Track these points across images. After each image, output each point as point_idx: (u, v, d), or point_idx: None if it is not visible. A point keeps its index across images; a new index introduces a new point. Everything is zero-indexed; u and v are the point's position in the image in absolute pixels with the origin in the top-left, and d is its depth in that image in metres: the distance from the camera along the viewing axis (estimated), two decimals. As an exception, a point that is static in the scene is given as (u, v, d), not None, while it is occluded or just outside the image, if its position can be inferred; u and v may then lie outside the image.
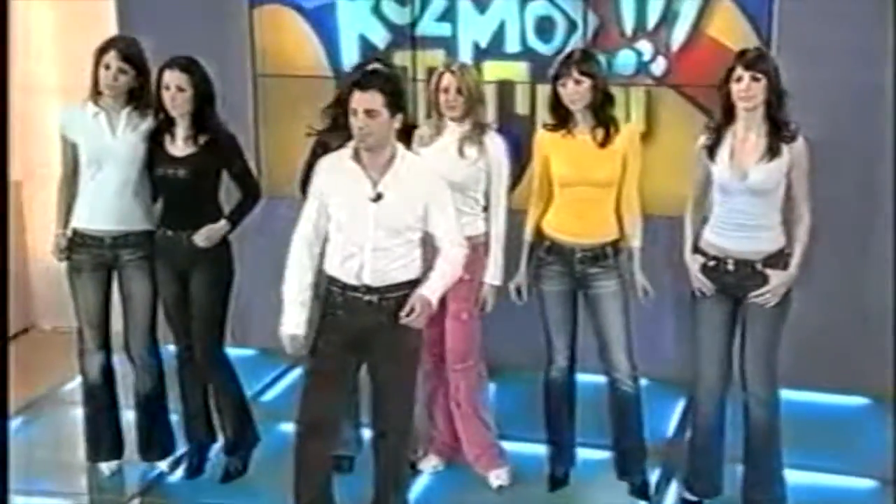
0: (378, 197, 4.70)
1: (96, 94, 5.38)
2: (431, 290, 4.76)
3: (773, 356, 5.08)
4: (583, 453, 5.67)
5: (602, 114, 5.17)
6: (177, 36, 6.58)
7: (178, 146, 5.34)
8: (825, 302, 6.31)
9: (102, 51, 5.35)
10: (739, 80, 4.89)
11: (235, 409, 5.63)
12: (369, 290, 4.73)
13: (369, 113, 4.61)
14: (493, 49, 6.51)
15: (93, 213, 5.43)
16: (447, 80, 5.31)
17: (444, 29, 6.55)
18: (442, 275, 4.81)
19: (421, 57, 6.56)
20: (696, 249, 5.11)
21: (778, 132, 4.91)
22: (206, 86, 5.33)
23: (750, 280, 4.99)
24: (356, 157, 4.73)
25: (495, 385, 6.37)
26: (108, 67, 5.32)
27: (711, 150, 5.00)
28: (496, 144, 5.37)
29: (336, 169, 4.77)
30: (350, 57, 6.60)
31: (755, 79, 4.86)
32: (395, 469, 4.96)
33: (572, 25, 6.41)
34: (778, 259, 5.01)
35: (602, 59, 5.66)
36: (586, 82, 5.11)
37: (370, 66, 5.29)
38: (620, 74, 6.33)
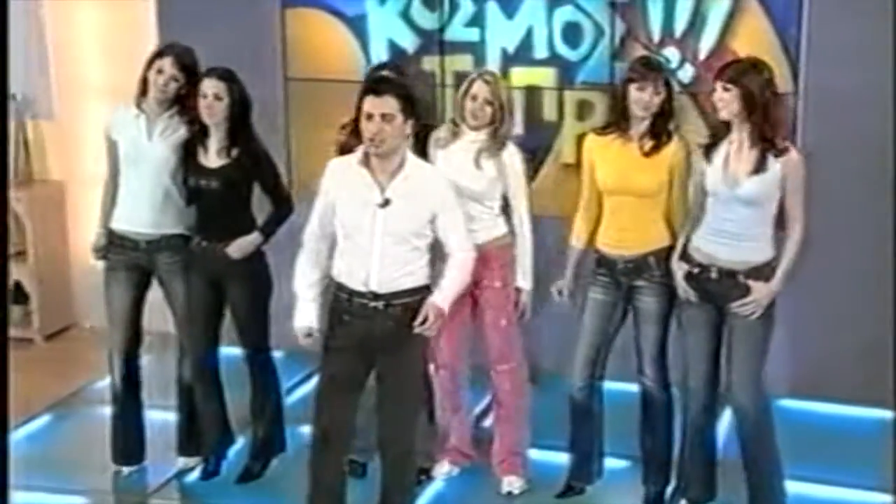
0: (386, 203, 4.72)
1: (141, 96, 5.46)
2: (443, 298, 4.78)
3: (756, 367, 5.05)
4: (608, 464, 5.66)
5: (659, 124, 5.12)
6: (212, 39, 6.71)
7: (212, 157, 5.40)
8: (850, 311, 6.26)
9: (158, 55, 5.44)
10: (713, 90, 4.92)
11: (272, 414, 5.69)
12: (376, 296, 4.76)
13: (385, 117, 4.64)
14: (521, 55, 6.51)
15: (128, 214, 5.53)
16: (477, 87, 5.29)
17: (473, 34, 6.56)
18: (452, 281, 4.83)
19: (449, 62, 6.57)
20: (683, 255, 5.09)
21: (768, 145, 4.88)
22: (243, 97, 5.39)
23: (733, 290, 4.98)
24: (365, 161, 4.75)
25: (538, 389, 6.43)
26: (160, 72, 5.40)
27: (708, 152, 4.99)
28: (514, 159, 5.36)
29: (345, 173, 4.80)
30: (380, 61, 6.61)
31: (725, 88, 4.86)
32: (402, 473, 4.99)
33: (599, 32, 6.39)
34: (763, 271, 4.97)
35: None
36: (664, 93, 5.09)
37: (383, 73, 5.33)
38: (647, 81, 6.30)
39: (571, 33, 6.43)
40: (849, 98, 6.06)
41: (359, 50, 6.73)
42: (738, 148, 4.92)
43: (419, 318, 4.71)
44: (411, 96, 4.74)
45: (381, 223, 4.72)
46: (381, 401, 4.93)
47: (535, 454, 5.77)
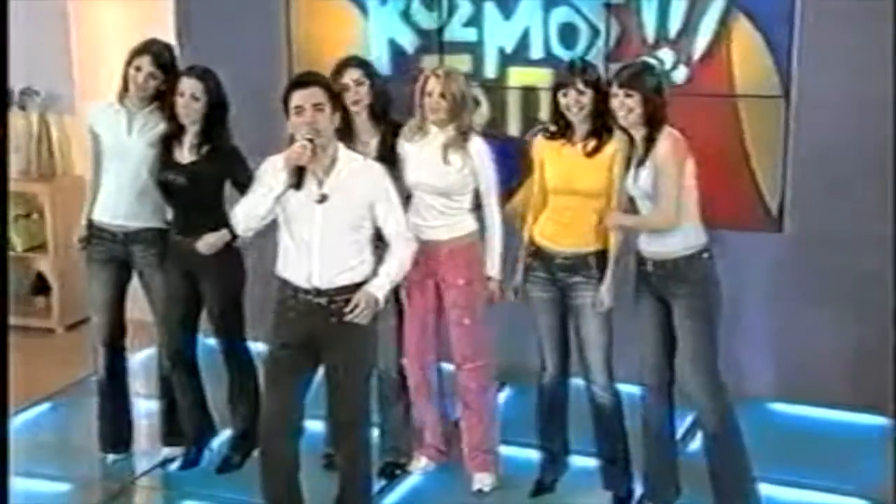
0: (323, 198, 4.77)
1: (123, 92, 5.60)
2: (377, 287, 4.81)
3: (707, 362, 5.05)
4: (577, 461, 5.68)
5: (597, 124, 5.16)
6: (226, 36, 6.87)
7: (184, 154, 5.51)
8: (840, 315, 6.21)
9: (136, 53, 5.57)
10: (616, 97, 4.96)
11: (250, 406, 5.75)
12: (319, 292, 4.80)
13: (316, 107, 4.70)
14: (518, 55, 6.56)
15: (108, 207, 5.66)
16: (431, 84, 5.35)
17: (471, 34, 6.62)
18: (388, 271, 4.86)
19: (448, 62, 6.59)
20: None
21: (650, 138, 4.95)
22: (220, 98, 5.50)
23: (668, 281, 5.03)
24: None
25: (512, 389, 6.48)
26: (139, 69, 5.53)
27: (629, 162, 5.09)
28: (480, 150, 5.41)
29: (282, 169, 4.78)
30: (380, 61, 6.69)
31: (628, 95, 4.92)
32: (355, 468, 5.04)
33: (595, 32, 6.41)
34: (693, 260, 5.03)
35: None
36: (588, 93, 5.12)
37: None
38: (642, 82, 6.30)
39: (567, 34, 6.46)
40: (839, 102, 6.00)
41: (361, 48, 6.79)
42: (635, 147, 5.02)
43: (350, 306, 4.75)
44: (337, 91, 4.87)
45: (320, 218, 4.76)
46: (329, 396, 4.98)
47: (510, 451, 5.82)
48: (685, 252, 5.04)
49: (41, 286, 7.83)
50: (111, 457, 5.90)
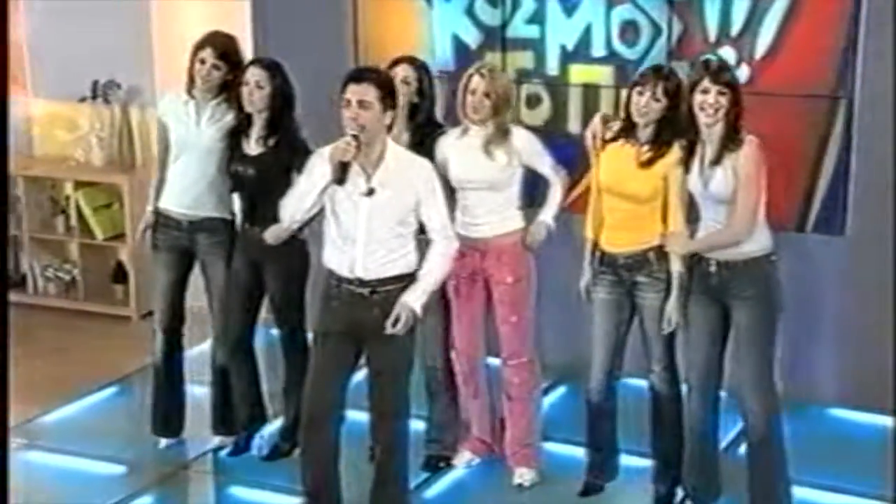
0: (370, 192, 4.84)
1: (190, 84, 5.72)
2: (416, 298, 4.87)
3: (762, 369, 5.01)
4: (626, 461, 5.65)
5: (663, 133, 5.09)
6: (300, 33, 6.97)
7: (252, 146, 5.61)
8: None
9: (200, 46, 5.68)
10: (706, 93, 4.84)
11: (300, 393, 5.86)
12: (362, 282, 4.89)
13: (362, 104, 4.76)
14: (579, 52, 6.55)
15: (175, 196, 5.78)
16: (476, 82, 5.37)
17: (533, 31, 6.62)
18: (429, 273, 4.92)
19: (511, 58, 6.63)
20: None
21: (728, 140, 4.85)
22: (286, 88, 5.58)
23: (733, 282, 4.96)
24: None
25: (567, 388, 6.47)
26: (203, 62, 5.65)
27: (686, 161, 4.99)
28: (524, 138, 5.43)
29: (332, 162, 4.86)
30: (444, 56, 6.74)
31: (721, 93, 4.82)
32: (392, 459, 5.09)
33: (657, 30, 6.37)
34: (759, 262, 4.97)
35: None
36: (663, 101, 5.06)
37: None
38: (703, 81, 6.25)
39: (629, 32, 6.43)
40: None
41: (425, 43, 6.84)
42: (707, 149, 4.93)
43: (391, 319, 4.82)
44: (392, 89, 4.86)
45: (366, 211, 4.84)
46: (370, 386, 5.06)
47: (562, 449, 5.84)
48: (753, 254, 4.97)
49: (121, 274, 8.01)
50: (163, 441, 6.04)
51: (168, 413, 6.04)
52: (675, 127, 5.04)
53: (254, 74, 5.52)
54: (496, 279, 5.47)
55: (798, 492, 5.33)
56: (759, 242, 4.98)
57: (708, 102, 4.82)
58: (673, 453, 5.39)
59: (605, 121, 5.29)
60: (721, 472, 5.34)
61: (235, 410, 5.96)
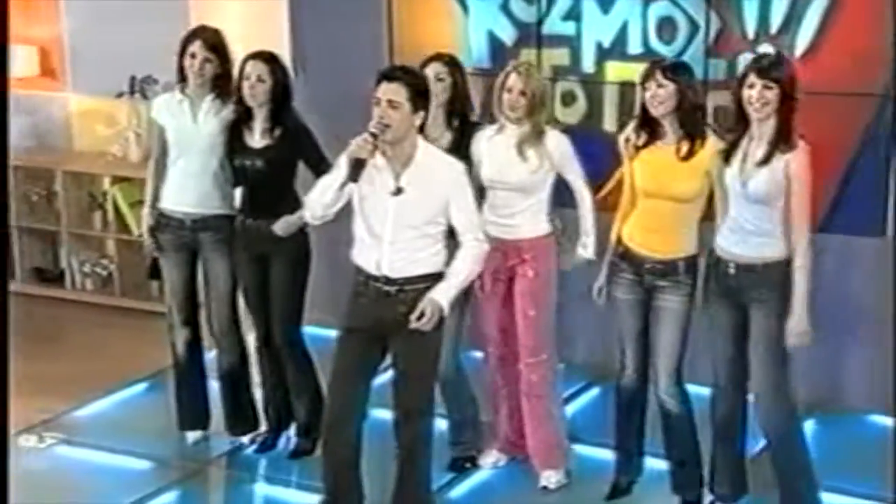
0: (398, 191, 4.80)
1: (182, 81, 5.69)
2: (443, 293, 4.82)
3: (777, 371, 4.92)
4: (652, 463, 5.56)
5: (688, 124, 5.02)
6: (336, 30, 6.93)
7: (256, 138, 5.57)
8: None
9: (188, 40, 5.66)
10: (752, 87, 4.74)
11: (309, 393, 5.80)
12: (388, 281, 4.85)
13: (391, 103, 4.72)
14: (616, 49, 6.46)
15: (174, 195, 5.75)
16: (512, 80, 5.31)
17: (569, 28, 6.54)
18: (457, 272, 4.87)
19: (546, 55, 6.55)
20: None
21: (778, 142, 4.75)
22: (285, 79, 5.56)
23: (753, 287, 4.87)
24: (381, 149, 4.82)
25: (599, 389, 6.39)
26: (193, 56, 5.62)
27: (727, 153, 4.88)
28: (559, 141, 5.36)
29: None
30: (479, 53, 6.68)
31: (767, 87, 4.72)
32: (414, 457, 5.04)
33: (694, 27, 6.27)
34: (776, 267, 4.87)
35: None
36: (670, 86, 4.99)
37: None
38: (741, 78, 6.15)
39: (666, 28, 6.34)
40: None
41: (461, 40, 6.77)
42: (755, 147, 4.83)
43: (416, 313, 4.75)
44: (422, 89, 4.79)
45: (394, 211, 4.79)
46: (394, 384, 5.01)
47: (586, 450, 5.79)
48: (772, 258, 4.89)
49: (157, 271, 7.97)
50: (190, 436, 6.02)
51: (192, 407, 6.02)
52: (693, 117, 4.98)
53: (255, 69, 5.49)
54: (519, 273, 5.42)
55: (832, 499, 5.26)
56: (778, 247, 4.88)
57: (753, 97, 4.74)
58: (689, 461, 5.32)
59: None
60: (748, 475, 5.27)
61: (265, 408, 5.93)
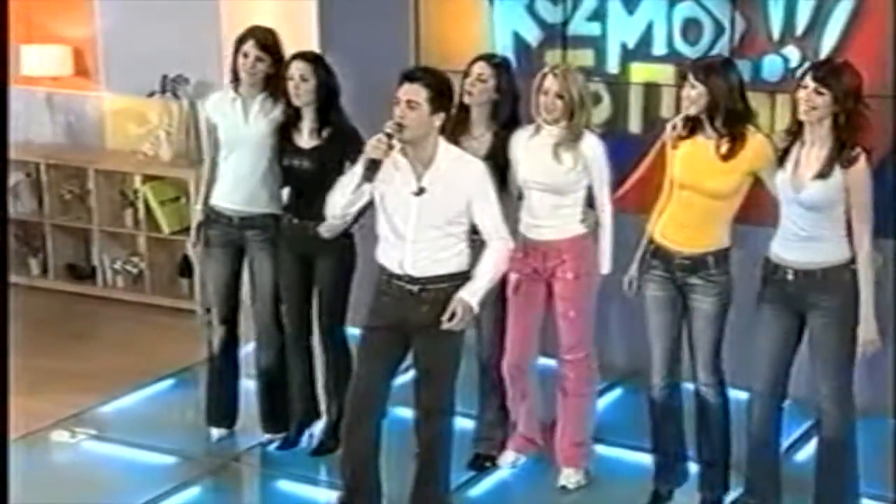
0: (420, 191, 4.84)
1: (235, 80, 5.76)
2: (472, 293, 4.85)
3: (840, 377, 4.93)
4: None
5: (725, 124, 5.00)
6: (365, 31, 6.96)
7: (304, 138, 5.62)
8: None
9: (241, 40, 5.72)
10: (805, 88, 4.72)
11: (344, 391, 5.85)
12: (412, 279, 4.89)
13: (409, 104, 4.76)
14: (640, 50, 6.47)
15: (225, 192, 5.81)
16: (549, 82, 5.32)
17: (594, 29, 6.55)
18: (485, 273, 4.90)
19: (571, 56, 6.56)
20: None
21: (838, 152, 4.71)
22: (330, 79, 5.59)
23: (811, 291, 4.86)
24: (403, 150, 4.87)
25: (624, 390, 6.40)
26: (246, 56, 5.68)
27: (782, 156, 4.88)
28: (594, 146, 5.36)
29: (387, 161, 4.90)
30: (504, 53, 6.65)
31: (818, 92, 4.69)
32: (434, 455, 5.08)
33: (719, 29, 6.27)
34: (839, 272, 4.84)
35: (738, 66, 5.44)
36: (700, 87, 4.98)
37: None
38: (766, 80, 6.16)
39: (691, 30, 6.34)
40: None
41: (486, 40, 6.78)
42: (807, 152, 4.81)
43: (447, 314, 4.79)
44: (442, 90, 4.83)
45: (416, 210, 4.84)
46: (417, 382, 5.05)
47: (608, 451, 5.81)
48: (832, 263, 4.87)
49: (186, 269, 8.07)
50: (215, 432, 6.08)
51: (222, 404, 6.08)
52: (731, 116, 4.95)
53: (298, 68, 5.54)
54: (557, 276, 5.44)
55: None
56: (838, 252, 4.86)
57: (803, 98, 4.73)
58: (720, 460, 5.31)
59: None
60: (782, 479, 5.25)
61: (290, 405, 5.97)
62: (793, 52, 6.12)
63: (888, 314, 5.91)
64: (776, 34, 6.15)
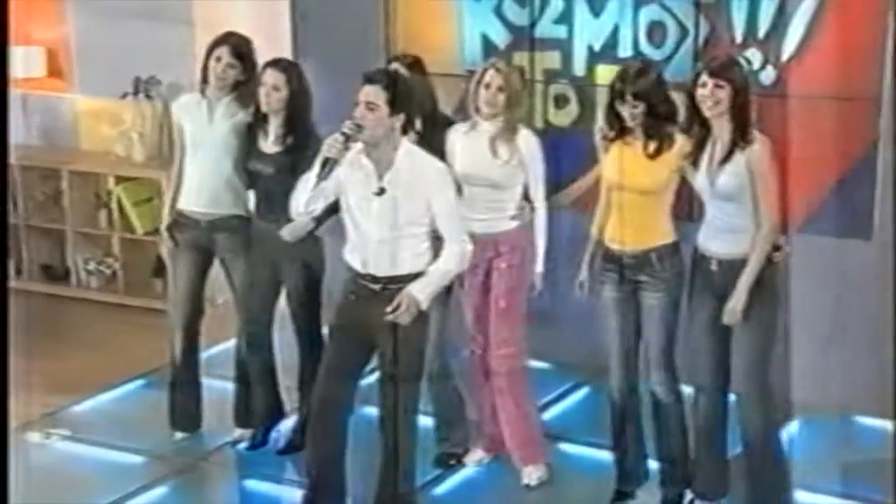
0: (381, 191, 4.89)
1: (203, 83, 5.80)
2: (421, 288, 4.91)
3: (757, 369, 5.00)
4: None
5: (654, 127, 5.09)
6: (336, 30, 7.00)
7: (269, 144, 5.66)
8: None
9: (216, 44, 5.76)
10: (704, 87, 4.86)
11: None
12: (374, 279, 4.96)
13: (369, 105, 4.82)
14: (606, 53, 6.52)
15: (191, 194, 5.86)
16: (490, 76, 5.40)
17: (561, 31, 6.61)
18: (437, 270, 4.96)
19: (538, 58, 6.63)
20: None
21: (737, 137, 4.87)
22: (302, 89, 5.62)
23: (734, 282, 4.95)
24: (366, 150, 4.93)
25: (590, 389, 6.45)
26: (218, 60, 5.72)
27: (695, 158, 4.99)
28: (529, 143, 5.45)
29: (350, 162, 4.97)
30: (473, 55, 6.76)
31: (718, 86, 4.84)
32: (399, 452, 5.11)
33: (684, 31, 6.33)
34: None
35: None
36: (641, 106, 5.06)
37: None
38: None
39: (656, 32, 6.41)
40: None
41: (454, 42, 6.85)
42: (716, 146, 4.94)
43: (391, 305, 4.84)
44: (402, 92, 4.88)
45: (377, 211, 4.89)
46: (381, 383, 5.10)
47: (575, 450, 5.89)
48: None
49: (160, 269, 8.10)
50: (178, 434, 6.12)
51: (186, 408, 6.12)
52: (659, 118, 5.06)
53: (271, 76, 5.58)
54: (493, 266, 5.51)
55: (819, 499, 5.37)
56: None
57: (704, 95, 4.87)
58: (679, 457, 5.37)
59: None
60: (729, 473, 5.32)
61: (254, 405, 6.01)
62: (755, 55, 6.18)
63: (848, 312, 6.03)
64: (739, 37, 6.22)
